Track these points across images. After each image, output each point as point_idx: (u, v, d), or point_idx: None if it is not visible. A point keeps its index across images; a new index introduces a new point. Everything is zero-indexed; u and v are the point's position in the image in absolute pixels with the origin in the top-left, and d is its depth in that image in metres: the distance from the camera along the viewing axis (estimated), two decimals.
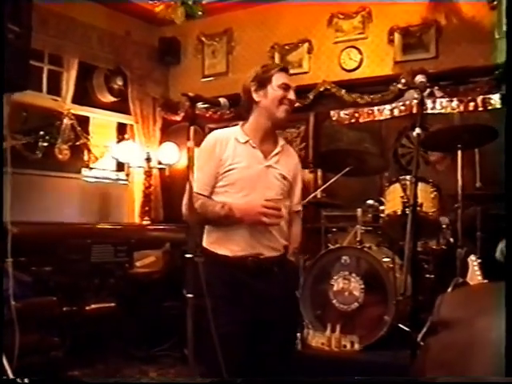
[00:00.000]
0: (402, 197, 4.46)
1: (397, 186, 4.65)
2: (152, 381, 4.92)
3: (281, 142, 3.18)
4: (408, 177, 4.56)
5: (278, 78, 3.09)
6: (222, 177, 3.03)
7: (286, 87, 3.09)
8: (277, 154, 3.11)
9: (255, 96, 3.08)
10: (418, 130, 2.77)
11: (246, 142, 3.06)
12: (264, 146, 3.09)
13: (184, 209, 2.97)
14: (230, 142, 3.06)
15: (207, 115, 6.82)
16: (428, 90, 5.58)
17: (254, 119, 3.11)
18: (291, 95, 3.11)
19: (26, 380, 2.55)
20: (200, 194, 2.99)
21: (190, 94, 2.93)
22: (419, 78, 3.21)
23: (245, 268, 2.97)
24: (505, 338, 1.41)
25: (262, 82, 3.09)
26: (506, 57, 3.78)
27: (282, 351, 3.12)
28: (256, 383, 2.98)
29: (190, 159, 2.78)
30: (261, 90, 3.08)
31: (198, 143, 2.93)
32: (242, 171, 3.02)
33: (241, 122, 3.15)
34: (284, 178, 3.11)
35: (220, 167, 3.02)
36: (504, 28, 5.78)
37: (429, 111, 5.88)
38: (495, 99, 5.74)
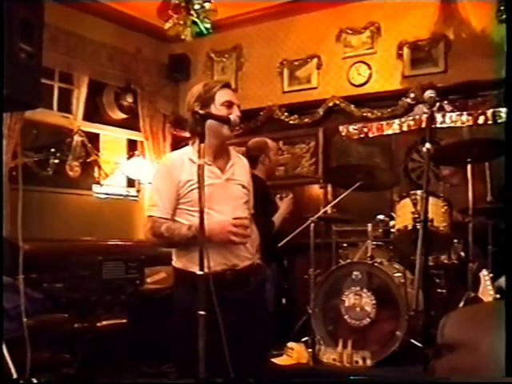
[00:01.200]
0: (412, 212, 4.45)
1: (407, 200, 4.66)
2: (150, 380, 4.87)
3: (233, 153, 3.21)
4: (419, 192, 4.57)
5: (220, 96, 3.09)
6: (183, 198, 3.02)
7: (229, 104, 3.09)
8: (231, 166, 3.13)
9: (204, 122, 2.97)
10: (427, 145, 2.78)
11: (203, 161, 2.97)
12: (218, 161, 3.10)
13: (148, 234, 3.01)
14: (185, 163, 3.05)
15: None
16: (437, 104, 5.58)
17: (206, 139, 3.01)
18: (235, 112, 3.09)
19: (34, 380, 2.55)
20: (163, 218, 3.00)
21: (201, 112, 2.95)
22: (428, 93, 3.22)
23: (224, 282, 2.95)
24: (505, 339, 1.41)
25: (205, 101, 3.08)
26: (505, 63, 3.77)
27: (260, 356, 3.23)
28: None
29: (200, 177, 2.77)
30: (204, 110, 3.02)
31: None
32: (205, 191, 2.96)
33: (190, 142, 3.16)
34: (243, 187, 3.15)
35: (180, 189, 3.01)
36: None
37: (438, 125, 5.87)
38: (505, 112, 5.72)
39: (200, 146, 2.82)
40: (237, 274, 3.04)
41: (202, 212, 2.72)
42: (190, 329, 2.64)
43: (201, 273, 2.67)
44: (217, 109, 3.07)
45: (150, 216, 3.02)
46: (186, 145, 3.24)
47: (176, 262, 3.08)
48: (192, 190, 2.97)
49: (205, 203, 2.77)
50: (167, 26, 5.82)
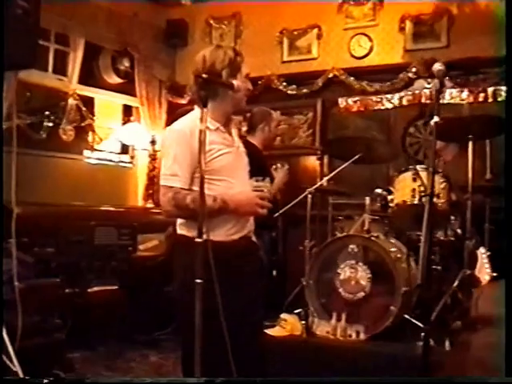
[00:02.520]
0: (418, 186, 4.42)
1: (406, 175, 4.61)
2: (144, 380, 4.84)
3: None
4: (419, 166, 4.52)
5: (245, 68, 3.00)
6: (204, 169, 2.77)
7: (248, 78, 3.03)
8: (236, 134, 3.09)
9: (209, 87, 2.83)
10: (436, 119, 2.72)
11: (217, 128, 2.94)
12: (227, 129, 3.02)
13: (168, 206, 2.85)
14: (206, 132, 2.84)
15: None
16: (437, 80, 5.51)
17: (219, 105, 2.95)
18: (248, 82, 3.04)
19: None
20: (185, 189, 2.84)
21: (204, 76, 2.86)
22: (437, 66, 3.16)
23: (239, 249, 2.93)
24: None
25: (234, 69, 2.95)
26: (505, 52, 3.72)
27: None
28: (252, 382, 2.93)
29: (202, 143, 2.70)
30: (232, 77, 2.91)
31: None
32: (222, 159, 2.90)
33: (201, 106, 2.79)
34: (247, 154, 3.11)
35: (197, 158, 2.77)
36: None
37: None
38: (505, 91, 5.67)
39: (203, 111, 2.72)
40: (250, 241, 3.05)
41: (202, 178, 2.64)
42: (192, 298, 2.59)
43: (200, 240, 2.60)
44: (242, 80, 2.96)
45: (170, 187, 2.84)
46: (186, 111, 3.12)
47: (184, 230, 2.95)
48: (212, 158, 2.84)
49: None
50: None
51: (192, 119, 2.90)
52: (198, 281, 2.56)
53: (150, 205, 7.13)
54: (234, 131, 3.09)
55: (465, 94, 5.85)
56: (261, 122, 5.05)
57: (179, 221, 2.98)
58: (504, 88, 5.63)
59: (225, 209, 2.84)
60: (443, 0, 6.14)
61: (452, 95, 5.84)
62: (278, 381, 2.87)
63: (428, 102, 5.96)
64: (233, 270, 2.86)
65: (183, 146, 2.86)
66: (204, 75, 2.84)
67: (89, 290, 5.35)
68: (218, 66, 2.95)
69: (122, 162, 7.20)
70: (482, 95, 5.78)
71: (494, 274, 3.71)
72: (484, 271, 3.78)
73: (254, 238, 3.09)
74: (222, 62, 2.96)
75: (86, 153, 6.73)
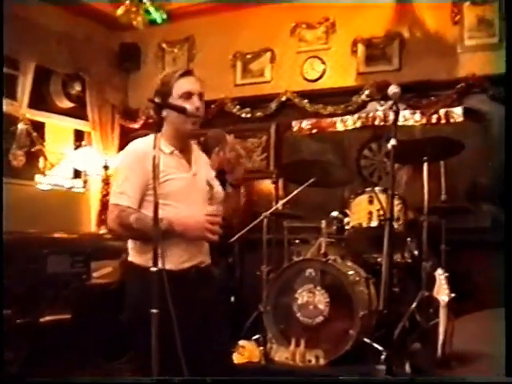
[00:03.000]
0: (377, 210, 4.42)
1: (362, 198, 4.64)
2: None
3: (194, 147, 3.06)
4: (377, 188, 4.54)
5: (178, 88, 2.89)
6: (152, 190, 2.77)
7: (187, 96, 2.89)
8: (195, 160, 3.00)
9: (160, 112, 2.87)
10: (393, 142, 2.71)
11: (172, 152, 2.92)
12: (185, 154, 2.96)
13: (113, 223, 2.82)
14: (157, 153, 2.81)
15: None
16: (390, 102, 5.57)
17: (169, 130, 2.94)
18: (195, 103, 2.90)
19: None
20: (131, 208, 2.81)
21: (157, 101, 2.82)
22: (392, 89, 3.16)
23: (189, 279, 2.86)
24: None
25: (163, 94, 2.89)
26: (505, 59, 3.76)
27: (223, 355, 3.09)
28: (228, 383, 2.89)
29: (155, 167, 2.64)
30: (181, 99, 2.88)
31: None
32: (174, 183, 2.86)
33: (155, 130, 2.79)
34: (207, 183, 2.96)
35: (150, 180, 2.77)
36: (466, 43, 5.85)
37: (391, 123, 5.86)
38: (457, 112, 5.76)
39: (156, 135, 2.68)
40: (202, 270, 2.95)
41: (156, 204, 2.58)
42: (146, 327, 2.51)
43: (155, 269, 2.54)
44: (175, 101, 2.88)
45: (117, 204, 2.82)
46: (139, 136, 3.07)
47: (134, 257, 2.91)
48: (161, 182, 2.76)
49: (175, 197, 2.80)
50: (119, 12, 5.65)
51: (147, 142, 2.84)
52: (154, 311, 2.50)
53: (103, 231, 7.00)
54: (196, 157, 3.02)
55: (417, 115, 5.94)
56: (215, 146, 4.99)
57: (130, 245, 2.93)
58: (455, 109, 5.73)
59: (171, 231, 2.77)
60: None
61: (405, 117, 5.92)
62: (274, 380, 2.81)
63: (381, 124, 6.02)
64: (185, 299, 2.76)
65: (136, 167, 2.85)
66: (156, 99, 2.81)
67: (41, 320, 5.20)
68: (151, 96, 2.92)
69: (75, 187, 7.07)
70: (434, 117, 5.87)
71: (453, 295, 3.72)
72: (443, 292, 3.78)
73: (210, 268, 3.03)
74: (152, 89, 2.95)
75: (38, 178, 6.58)
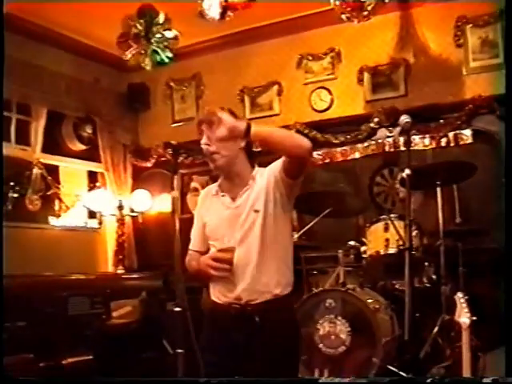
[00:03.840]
0: (396, 240, 4.43)
1: (378, 225, 4.66)
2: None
3: (251, 177, 2.94)
4: (393, 215, 4.56)
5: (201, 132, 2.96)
6: (205, 233, 3.02)
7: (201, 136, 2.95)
8: (246, 190, 2.90)
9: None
10: (407, 171, 2.74)
11: (216, 192, 3.00)
12: (233, 189, 2.94)
13: (187, 265, 3.03)
14: (208, 196, 3.06)
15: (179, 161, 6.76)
16: (399, 129, 5.61)
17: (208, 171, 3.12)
18: (202, 143, 2.92)
19: None
20: (195, 251, 3.02)
21: (173, 143, 2.88)
22: (404, 119, 3.20)
23: (226, 317, 2.86)
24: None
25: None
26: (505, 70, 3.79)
27: None
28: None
29: (175, 211, 2.71)
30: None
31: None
32: (212, 223, 2.97)
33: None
34: (255, 211, 2.86)
35: (203, 223, 3.02)
36: (471, 65, 5.89)
37: (402, 148, 5.90)
38: (466, 134, 5.79)
39: (173, 177, 2.75)
40: (241, 309, 2.85)
41: (176, 246, 2.67)
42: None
43: (177, 309, 2.58)
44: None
45: (189, 249, 3.07)
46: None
47: (213, 295, 3.00)
48: (206, 223, 2.99)
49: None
50: (127, 56, 5.74)
51: (207, 189, 3.11)
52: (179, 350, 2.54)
53: (120, 270, 7.04)
54: (250, 190, 2.91)
55: (427, 140, 5.96)
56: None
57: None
58: (464, 131, 5.75)
59: (199, 270, 2.90)
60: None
61: (415, 142, 5.93)
62: (278, 381, 2.78)
63: (392, 150, 6.05)
64: (220, 333, 2.84)
65: (197, 213, 3.09)
66: (172, 142, 2.87)
67: (63, 362, 5.22)
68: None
69: (90, 228, 7.13)
70: (443, 140, 5.89)
71: (474, 318, 3.71)
72: (464, 315, 3.77)
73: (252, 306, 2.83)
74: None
75: (53, 221, 6.65)
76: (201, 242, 3.03)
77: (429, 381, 2.53)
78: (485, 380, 1.83)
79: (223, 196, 2.97)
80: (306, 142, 2.79)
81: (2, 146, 5.36)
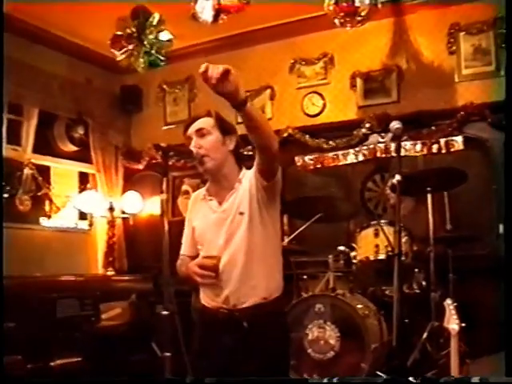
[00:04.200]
0: (385, 246, 4.44)
1: (368, 231, 4.66)
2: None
3: (238, 180, 2.95)
4: (382, 221, 4.56)
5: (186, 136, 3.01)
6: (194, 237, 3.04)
7: (189, 141, 2.98)
8: (232, 194, 2.91)
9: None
10: (398, 177, 2.74)
11: (204, 196, 3.02)
12: (221, 193, 2.95)
13: (178, 270, 3.02)
14: (197, 201, 3.07)
15: (170, 163, 6.74)
16: (390, 135, 5.61)
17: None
18: (192, 146, 2.94)
19: None
20: (186, 256, 3.04)
21: (163, 145, 2.88)
22: (395, 125, 3.21)
23: (216, 321, 2.86)
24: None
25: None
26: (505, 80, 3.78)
27: None
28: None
29: (164, 213, 2.71)
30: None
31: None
32: (199, 226, 2.99)
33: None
34: (241, 213, 2.87)
35: (192, 228, 3.04)
36: (463, 72, 5.91)
37: (393, 154, 5.91)
38: (458, 141, 5.80)
39: (162, 179, 2.75)
40: (229, 313, 2.84)
41: (165, 249, 2.67)
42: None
43: (166, 313, 2.58)
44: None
45: (180, 254, 3.08)
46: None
47: (204, 300, 3.00)
48: (194, 228, 3.00)
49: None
50: (120, 56, 5.72)
51: (196, 193, 3.13)
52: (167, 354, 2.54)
53: (110, 272, 7.02)
54: (236, 193, 2.92)
55: (418, 146, 5.96)
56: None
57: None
58: (456, 138, 5.75)
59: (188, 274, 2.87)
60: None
61: (406, 148, 5.93)
62: (270, 381, 2.78)
63: (383, 156, 6.06)
64: (212, 340, 2.85)
65: (187, 217, 3.10)
66: (162, 144, 2.86)
67: (52, 364, 5.20)
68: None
69: (81, 229, 7.11)
70: (435, 147, 5.89)
71: (463, 325, 3.72)
72: (453, 322, 3.78)
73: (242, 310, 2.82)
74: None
75: (44, 222, 6.63)
76: (190, 246, 3.04)
77: (420, 381, 2.54)
78: (473, 380, 1.85)
79: (211, 200, 2.98)
80: (276, 138, 2.93)
81: (2, 147, 5.33)
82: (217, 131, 2.97)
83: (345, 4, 5.11)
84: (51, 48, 6.60)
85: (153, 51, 5.63)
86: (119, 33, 5.60)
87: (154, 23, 5.52)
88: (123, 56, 5.75)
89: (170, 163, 6.31)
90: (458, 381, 2.54)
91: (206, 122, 3.00)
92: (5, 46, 5.27)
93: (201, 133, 2.96)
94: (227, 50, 6.93)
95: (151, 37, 5.56)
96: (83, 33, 6.54)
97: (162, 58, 5.71)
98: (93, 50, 6.88)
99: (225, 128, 3.02)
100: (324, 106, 6.58)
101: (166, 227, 2.79)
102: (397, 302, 2.36)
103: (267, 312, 2.86)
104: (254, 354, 2.79)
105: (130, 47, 5.69)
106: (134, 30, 5.57)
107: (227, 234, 2.86)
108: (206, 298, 2.93)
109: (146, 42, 5.65)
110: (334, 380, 2.67)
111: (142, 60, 5.74)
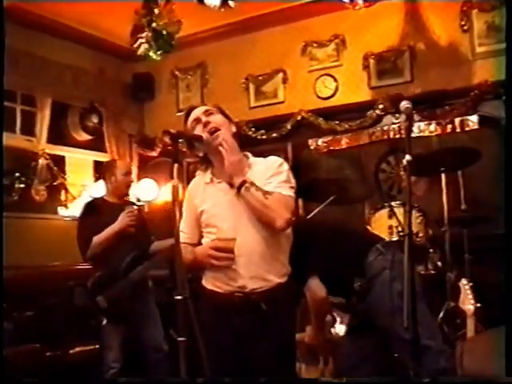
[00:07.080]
0: (396, 226, 4.41)
1: (382, 213, 4.63)
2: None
3: (247, 165, 3.00)
4: (395, 203, 4.53)
5: (190, 121, 3.07)
6: (202, 221, 3.00)
7: (195, 124, 3.05)
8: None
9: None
10: (408, 157, 2.72)
11: (211, 180, 3.01)
12: (232, 177, 2.93)
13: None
14: (201, 186, 3.04)
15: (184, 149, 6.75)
16: (404, 116, 5.56)
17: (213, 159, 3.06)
18: (202, 123, 3.01)
19: None
20: (187, 244, 2.99)
21: (172, 131, 2.87)
22: (404, 104, 3.16)
23: (230, 306, 2.87)
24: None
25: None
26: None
27: None
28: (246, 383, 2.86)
29: (175, 200, 2.70)
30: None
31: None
32: (210, 210, 2.95)
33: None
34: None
35: (197, 214, 3.00)
36: (477, 50, 5.84)
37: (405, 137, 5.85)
38: (473, 120, 5.74)
39: (174, 166, 2.74)
40: (245, 297, 2.85)
41: (177, 235, 2.67)
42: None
43: (179, 297, 2.58)
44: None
45: (182, 242, 2.91)
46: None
47: (211, 284, 2.99)
48: (203, 212, 2.97)
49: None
50: (138, 49, 5.70)
51: (196, 180, 3.09)
52: (180, 339, 2.55)
53: None
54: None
55: (432, 126, 5.90)
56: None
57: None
58: (470, 117, 5.69)
59: (196, 261, 2.93)
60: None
61: (420, 128, 5.89)
62: (277, 380, 2.80)
63: (397, 136, 6.02)
64: (225, 324, 2.87)
65: (187, 205, 3.06)
66: (172, 130, 2.86)
67: (70, 351, 5.25)
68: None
69: None
70: (449, 126, 5.83)
71: (478, 305, 3.70)
72: (468, 302, 3.77)
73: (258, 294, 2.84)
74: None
75: (60, 211, 6.66)
76: (193, 233, 3.02)
77: (426, 380, 2.55)
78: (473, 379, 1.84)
79: (219, 183, 2.97)
80: (282, 215, 2.87)
81: (3, 137, 5.34)
82: (220, 114, 3.06)
83: None
84: (63, 38, 6.61)
85: (162, 37, 5.59)
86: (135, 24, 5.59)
87: (163, 9, 5.49)
88: (137, 45, 5.72)
89: (184, 149, 6.37)
90: (459, 380, 2.52)
91: (208, 107, 3.09)
92: (16, 37, 5.30)
93: (208, 112, 3.04)
94: (238, 35, 6.94)
95: (160, 23, 5.53)
96: (95, 22, 6.54)
97: (172, 43, 5.67)
98: (104, 39, 6.90)
99: (225, 114, 3.11)
100: (337, 88, 6.54)
101: (178, 214, 2.78)
102: (408, 282, 2.34)
103: (283, 294, 2.90)
104: (270, 336, 2.84)
105: (143, 35, 5.67)
106: (144, 20, 5.55)
107: (242, 217, 2.87)
108: (216, 283, 2.92)
109: (156, 28, 5.62)
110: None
111: (151, 46, 5.72)
